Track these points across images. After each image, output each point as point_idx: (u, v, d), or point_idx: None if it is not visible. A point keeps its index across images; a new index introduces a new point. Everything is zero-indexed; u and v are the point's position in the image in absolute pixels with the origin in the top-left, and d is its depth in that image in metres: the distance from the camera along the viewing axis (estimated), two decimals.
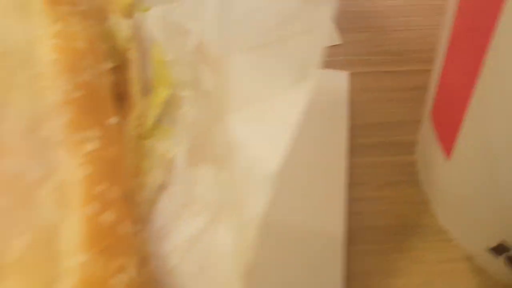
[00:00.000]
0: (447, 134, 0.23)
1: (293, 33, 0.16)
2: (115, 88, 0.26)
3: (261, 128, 0.15)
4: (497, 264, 0.24)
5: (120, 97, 0.26)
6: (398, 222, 0.27)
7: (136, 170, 0.24)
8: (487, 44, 0.19)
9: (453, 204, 0.25)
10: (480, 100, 0.20)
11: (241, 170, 0.16)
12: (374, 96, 0.32)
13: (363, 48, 0.34)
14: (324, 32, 0.16)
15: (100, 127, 0.21)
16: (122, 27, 0.28)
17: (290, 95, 0.16)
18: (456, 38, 0.22)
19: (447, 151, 0.24)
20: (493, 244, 0.23)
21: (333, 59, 0.34)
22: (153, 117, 0.26)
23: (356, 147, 0.29)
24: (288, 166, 0.29)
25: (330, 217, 0.26)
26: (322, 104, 0.30)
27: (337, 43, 0.34)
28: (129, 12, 0.30)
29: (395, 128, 0.30)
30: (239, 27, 0.17)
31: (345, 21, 0.35)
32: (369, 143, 0.30)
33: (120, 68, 0.27)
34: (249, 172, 0.15)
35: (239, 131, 0.16)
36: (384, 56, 0.34)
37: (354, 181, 0.28)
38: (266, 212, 0.15)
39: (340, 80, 0.32)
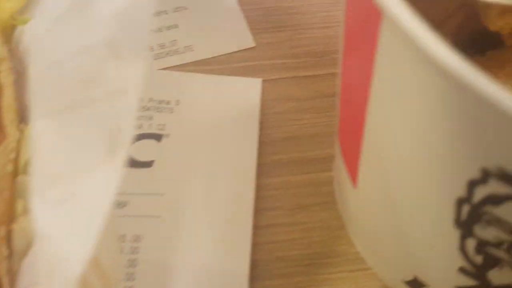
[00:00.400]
0: (351, 160, 0.21)
1: (101, 95, 0.13)
2: None
3: (66, 214, 0.13)
4: None
5: None
6: (312, 251, 0.25)
7: (7, 214, 0.21)
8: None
9: (365, 233, 0.23)
10: (372, 128, 0.18)
11: (43, 270, 0.13)
12: (290, 105, 0.29)
13: (278, 50, 0.31)
14: (136, 93, 0.13)
15: None
16: None
17: (100, 171, 0.13)
18: (347, 47, 0.19)
19: (353, 178, 0.21)
20: (409, 278, 0.21)
21: (244, 64, 0.31)
22: (30, 149, 0.23)
23: (267, 166, 0.27)
24: (188, 192, 0.26)
25: (235, 251, 0.24)
26: (229, 118, 0.28)
27: (250, 46, 0.31)
28: (8, 27, 0.27)
29: (311, 142, 0.28)
30: (41, 84, 0.14)
31: (258, 20, 0.32)
32: (283, 160, 0.27)
33: None
34: (51, 273, 0.12)
35: (41, 218, 0.13)
36: (301, 59, 0.31)
37: (264, 206, 0.25)
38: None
39: (251, 89, 0.29)
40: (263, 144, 0.27)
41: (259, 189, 0.26)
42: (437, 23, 0.20)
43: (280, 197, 0.26)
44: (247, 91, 0.29)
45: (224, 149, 0.27)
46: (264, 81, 0.30)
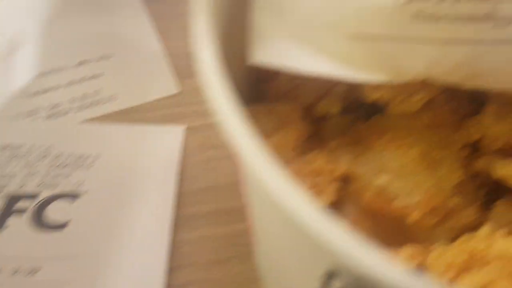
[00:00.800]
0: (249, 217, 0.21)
1: None
2: None
3: None
4: None
5: None
6: None
7: None
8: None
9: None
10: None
11: None
12: (211, 153, 0.29)
13: (202, 96, 0.31)
14: None
15: None
16: None
17: None
18: None
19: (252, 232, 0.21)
20: None
21: (169, 111, 0.31)
22: None
23: (185, 219, 0.27)
24: (102, 253, 0.26)
25: None
26: (147, 171, 0.28)
27: (174, 92, 0.31)
28: None
29: (231, 191, 0.28)
30: None
31: (183, 65, 0.32)
32: (201, 212, 0.27)
33: None
34: None
35: None
36: None
37: (180, 263, 0.25)
38: None
39: (173, 137, 0.29)
40: (182, 196, 0.28)
41: (176, 244, 0.26)
42: (324, 92, 0.20)
43: (197, 252, 0.26)
44: (168, 140, 0.29)
45: (141, 204, 0.27)
46: (187, 128, 0.30)
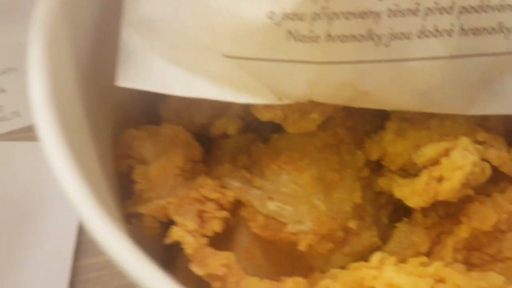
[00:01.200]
0: None
1: None
2: None
3: None
4: None
5: None
6: None
7: None
8: None
9: None
10: None
11: None
12: None
13: None
14: None
15: None
16: None
17: None
18: None
19: None
20: None
21: None
22: None
23: (91, 244, 0.25)
24: None
25: None
26: (51, 191, 0.26)
27: None
28: None
29: None
30: None
31: None
32: None
33: None
34: None
35: None
36: None
37: None
38: None
39: None
40: None
41: (79, 271, 0.24)
42: (220, 111, 0.19)
43: (103, 278, 0.24)
44: None
45: (41, 229, 0.25)
46: None
